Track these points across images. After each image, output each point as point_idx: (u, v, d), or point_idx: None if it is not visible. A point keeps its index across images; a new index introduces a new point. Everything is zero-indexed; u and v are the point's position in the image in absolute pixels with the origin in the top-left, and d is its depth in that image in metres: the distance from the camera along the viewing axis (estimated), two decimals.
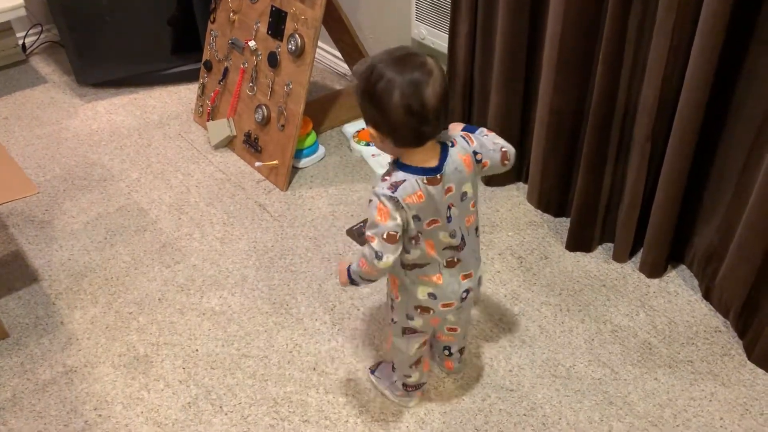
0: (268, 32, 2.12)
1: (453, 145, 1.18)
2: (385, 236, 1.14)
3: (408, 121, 1.09)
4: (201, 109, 2.45)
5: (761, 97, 1.42)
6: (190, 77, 2.66)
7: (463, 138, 1.20)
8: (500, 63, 1.86)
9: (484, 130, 1.28)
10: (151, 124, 2.48)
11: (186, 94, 2.65)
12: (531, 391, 1.50)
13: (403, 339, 1.36)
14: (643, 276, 1.77)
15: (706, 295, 1.70)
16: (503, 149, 1.24)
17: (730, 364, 1.54)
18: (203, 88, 2.43)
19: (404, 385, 1.45)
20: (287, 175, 2.13)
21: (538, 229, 1.94)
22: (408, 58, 1.10)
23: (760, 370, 1.53)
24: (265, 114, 2.14)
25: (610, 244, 1.85)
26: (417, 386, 1.46)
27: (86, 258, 1.89)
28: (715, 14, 1.33)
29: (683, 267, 1.79)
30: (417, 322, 1.31)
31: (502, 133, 1.95)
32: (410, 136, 1.12)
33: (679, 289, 1.74)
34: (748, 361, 1.55)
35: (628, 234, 1.76)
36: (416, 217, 1.16)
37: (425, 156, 1.15)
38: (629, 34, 1.53)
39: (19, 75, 2.80)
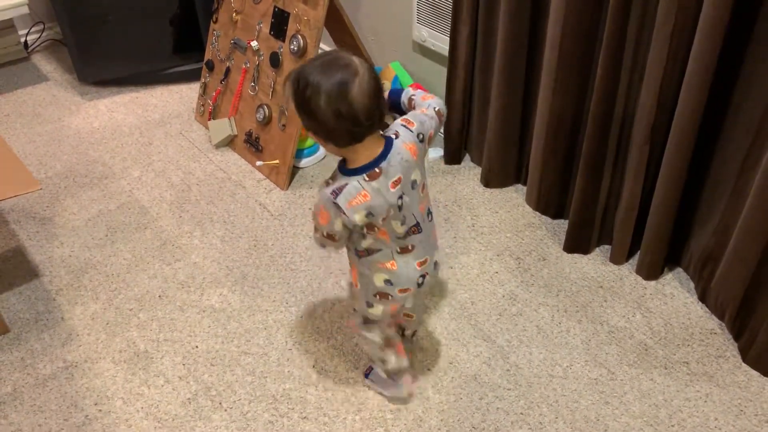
0: (270, 32, 2.13)
1: (396, 137, 1.20)
2: (325, 234, 1.21)
3: (339, 124, 1.11)
4: (202, 108, 2.46)
5: (758, 101, 1.44)
6: (192, 77, 2.67)
7: (405, 126, 1.22)
8: (500, 65, 1.88)
9: (410, 91, 1.30)
10: (153, 122, 2.49)
11: (187, 93, 2.66)
12: (528, 391, 1.51)
13: (365, 327, 1.41)
14: (639, 278, 1.79)
15: (702, 298, 1.72)
16: (436, 109, 1.28)
17: (725, 366, 1.56)
18: (205, 87, 2.44)
19: (388, 374, 1.47)
20: (288, 175, 2.14)
21: (537, 231, 1.96)
22: (333, 61, 1.12)
23: (754, 372, 1.54)
24: (267, 114, 2.16)
25: (608, 246, 1.87)
26: (400, 371, 1.47)
27: (87, 254, 1.90)
28: (714, 19, 1.35)
29: (680, 269, 1.81)
30: (376, 310, 1.34)
31: (502, 136, 2.00)
32: (347, 137, 1.13)
33: (675, 291, 1.75)
34: (743, 363, 1.56)
35: (625, 236, 1.77)
36: (370, 214, 1.17)
37: (369, 152, 1.16)
38: (628, 37, 1.55)
39: (21, 72, 2.81)
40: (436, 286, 1.77)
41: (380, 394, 1.51)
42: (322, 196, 1.18)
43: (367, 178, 1.16)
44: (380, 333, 1.41)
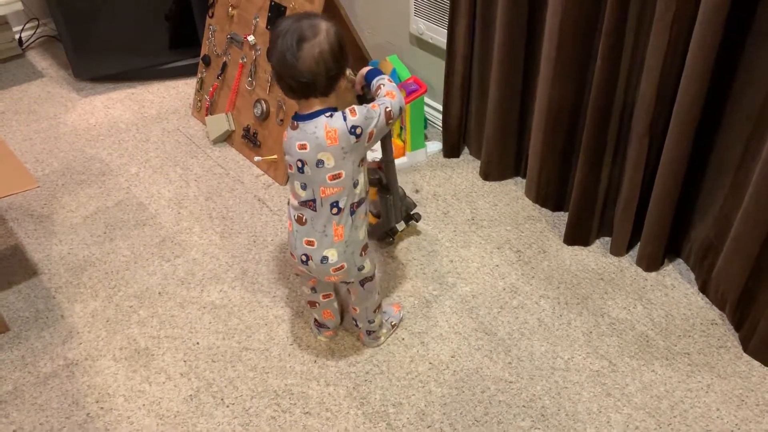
0: (267, 27, 2.12)
1: (330, 116, 1.27)
2: None
3: (283, 73, 1.24)
4: (199, 103, 2.45)
5: (758, 92, 1.44)
6: (188, 72, 2.66)
7: (345, 113, 1.28)
8: (499, 58, 1.87)
9: (383, 79, 1.38)
10: (150, 118, 2.48)
11: (184, 88, 2.65)
12: (530, 383, 1.51)
13: (299, 277, 1.54)
14: (640, 269, 1.79)
15: (703, 289, 1.72)
16: (387, 109, 1.33)
17: (726, 356, 1.56)
18: (201, 82, 2.43)
19: (314, 319, 1.61)
20: (286, 170, 2.13)
21: (537, 223, 1.96)
22: (304, 20, 1.23)
23: (755, 362, 1.55)
24: (264, 109, 2.15)
25: (608, 238, 1.87)
26: (321, 325, 1.61)
27: (86, 252, 1.89)
28: (714, 8, 1.35)
29: (680, 260, 1.81)
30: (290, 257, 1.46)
31: (501, 128, 1.99)
32: (287, 88, 1.26)
33: (675, 282, 1.75)
34: (744, 353, 1.57)
35: (625, 228, 1.77)
36: (286, 152, 1.34)
37: (306, 108, 1.29)
38: (628, 27, 1.54)
39: (16, 69, 2.79)
40: (436, 279, 1.77)
41: None
42: None
43: (291, 124, 1.31)
44: (303, 288, 1.54)
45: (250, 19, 2.18)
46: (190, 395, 1.50)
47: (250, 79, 2.20)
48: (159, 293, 1.76)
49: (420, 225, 1.95)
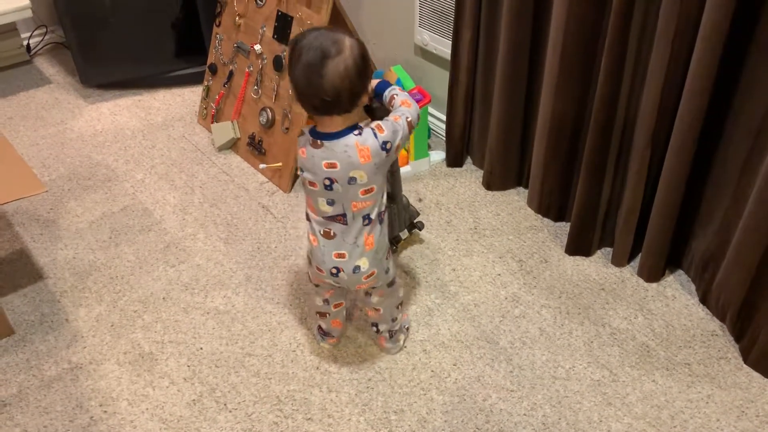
0: (273, 36, 2.15)
1: (359, 134, 1.25)
2: None
3: (306, 91, 1.21)
4: (205, 111, 2.47)
5: (758, 105, 1.46)
6: (194, 80, 2.69)
7: (373, 130, 1.27)
8: (502, 69, 1.89)
9: (395, 89, 1.37)
10: (156, 125, 2.50)
11: (190, 96, 2.67)
12: (531, 392, 1.52)
13: (314, 289, 1.51)
14: (641, 280, 1.80)
15: (704, 300, 1.73)
16: (408, 119, 1.33)
17: (726, 367, 1.57)
18: (207, 90, 2.45)
19: (318, 326, 1.61)
20: (291, 177, 2.15)
21: (539, 233, 1.97)
22: (327, 35, 1.20)
23: (755, 373, 1.55)
24: (270, 117, 2.17)
25: (610, 249, 1.88)
26: (327, 333, 1.60)
27: (91, 257, 1.91)
28: (715, 24, 1.37)
29: (681, 272, 1.82)
30: (309, 270, 1.46)
31: (504, 139, 2.01)
32: (309, 106, 1.23)
33: (676, 293, 1.76)
34: (744, 365, 1.57)
35: (626, 239, 1.79)
36: (301, 169, 1.32)
37: (329, 126, 1.26)
38: (630, 41, 1.56)
39: (24, 75, 2.82)
40: (438, 288, 1.79)
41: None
42: None
43: (311, 142, 1.28)
44: (317, 299, 1.53)
45: (257, 28, 2.20)
46: (194, 400, 1.51)
47: (256, 87, 2.23)
48: (163, 298, 1.77)
49: (423, 234, 1.96)
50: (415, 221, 1.89)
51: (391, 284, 1.48)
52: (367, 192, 1.30)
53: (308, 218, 1.39)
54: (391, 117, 1.32)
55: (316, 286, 1.49)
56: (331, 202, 1.31)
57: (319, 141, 1.26)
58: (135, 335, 1.67)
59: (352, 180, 1.27)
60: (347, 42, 1.19)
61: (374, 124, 1.28)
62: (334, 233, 1.34)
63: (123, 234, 1.99)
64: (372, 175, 1.28)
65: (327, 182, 1.28)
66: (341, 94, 1.19)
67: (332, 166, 1.26)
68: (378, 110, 1.46)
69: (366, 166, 1.26)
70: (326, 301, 1.52)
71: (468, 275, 1.83)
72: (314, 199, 1.33)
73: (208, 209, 2.09)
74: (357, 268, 1.37)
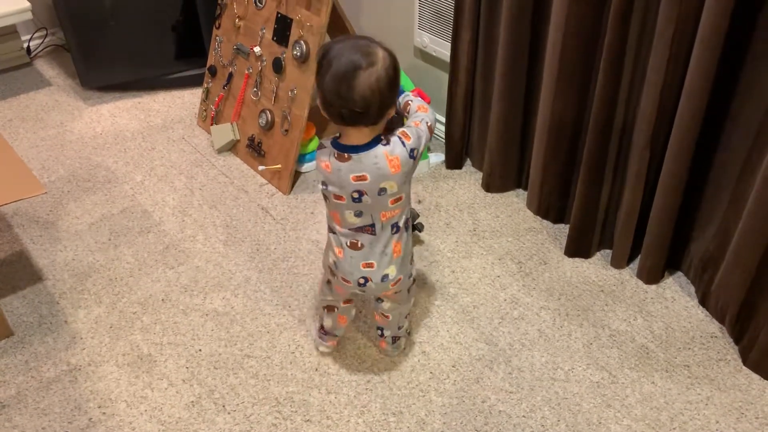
0: (273, 38, 2.15)
1: (386, 144, 1.23)
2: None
3: (336, 101, 1.16)
4: (205, 113, 2.47)
5: (757, 107, 1.46)
6: (194, 82, 2.69)
7: (400, 139, 1.25)
8: (502, 71, 1.89)
9: (409, 95, 1.35)
10: (155, 127, 2.50)
11: (190, 98, 2.67)
12: (530, 394, 1.52)
13: (326, 285, 1.49)
14: (640, 282, 1.80)
15: (703, 302, 1.73)
16: (428, 124, 1.32)
17: (725, 369, 1.57)
18: (207, 92, 2.45)
19: (320, 326, 1.58)
20: (290, 179, 2.15)
21: (538, 235, 1.97)
22: (360, 45, 1.17)
23: (755, 375, 1.55)
24: (269, 119, 2.17)
25: (609, 251, 1.88)
26: (328, 333, 1.57)
27: (90, 258, 1.91)
28: (714, 25, 1.37)
29: (680, 273, 1.82)
30: (330, 278, 1.43)
31: (503, 141, 2.01)
32: (337, 116, 1.19)
33: (676, 295, 1.76)
34: (744, 366, 1.57)
35: (626, 240, 1.79)
36: (324, 183, 1.29)
37: (356, 138, 1.23)
38: (629, 43, 1.57)
39: (24, 78, 2.82)
40: (438, 290, 1.78)
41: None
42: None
43: (335, 155, 1.24)
44: (329, 295, 1.49)
45: (256, 30, 2.21)
46: (192, 402, 1.51)
47: (255, 89, 2.23)
48: (162, 300, 1.77)
49: (422, 235, 1.96)
50: (414, 222, 1.89)
51: (409, 290, 1.47)
52: (396, 201, 1.28)
53: (331, 230, 1.36)
54: (411, 123, 1.30)
55: (328, 282, 1.47)
56: (359, 214, 1.29)
57: (346, 154, 1.23)
58: (134, 337, 1.67)
59: (382, 191, 1.25)
60: (380, 53, 1.16)
61: (399, 131, 1.26)
62: (362, 244, 1.32)
63: (122, 236, 1.99)
64: (401, 184, 1.27)
65: (356, 195, 1.26)
66: (371, 105, 1.16)
67: (361, 178, 1.23)
68: (394, 119, 1.46)
69: (396, 176, 1.24)
70: (338, 295, 1.49)
71: (467, 277, 1.83)
72: (340, 212, 1.30)
73: (208, 211, 2.09)
74: (385, 276, 1.36)
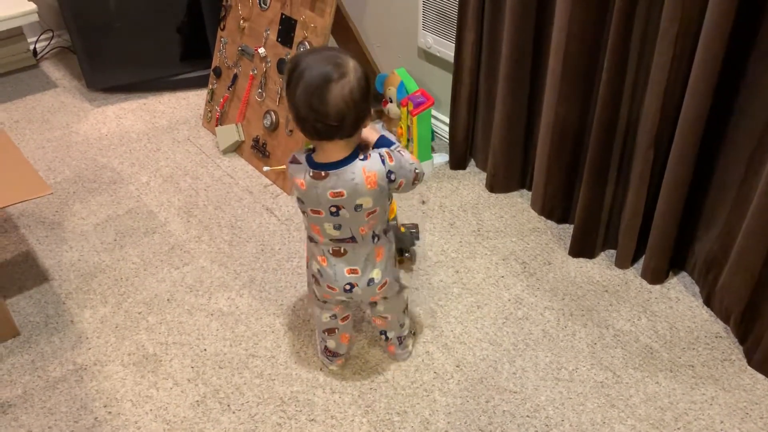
0: (277, 39, 2.16)
1: (364, 159, 1.22)
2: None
3: (309, 115, 1.15)
4: (210, 114, 2.48)
5: (762, 107, 1.45)
6: (199, 83, 2.70)
7: (381, 156, 1.23)
8: (505, 71, 1.90)
9: (399, 146, 1.31)
10: (161, 128, 2.52)
11: (195, 99, 2.68)
12: (534, 394, 1.52)
13: (315, 307, 1.47)
14: (645, 282, 1.80)
15: (707, 302, 1.72)
16: (416, 171, 1.29)
17: (730, 369, 1.57)
18: (212, 94, 2.46)
19: (325, 348, 1.55)
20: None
21: (542, 235, 1.97)
22: (329, 57, 1.15)
23: (760, 375, 1.55)
24: (274, 120, 2.18)
25: (613, 251, 1.88)
26: (335, 354, 1.55)
27: (96, 259, 1.92)
28: (718, 25, 1.37)
29: (684, 274, 1.82)
30: (315, 290, 1.42)
31: (507, 141, 2.01)
32: (311, 130, 1.18)
33: (680, 295, 1.76)
34: (749, 367, 1.57)
35: (630, 240, 1.79)
36: (300, 200, 1.29)
37: (331, 153, 1.21)
38: (633, 43, 1.57)
39: (30, 79, 2.84)
40: (442, 290, 1.79)
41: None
42: (295, 154, 1.28)
43: (311, 174, 1.22)
44: (323, 315, 1.47)
45: (261, 31, 2.22)
46: (197, 401, 1.52)
47: (260, 90, 2.24)
48: (168, 300, 1.78)
49: (426, 236, 1.97)
50: (409, 249, 1.86)
51: (399, 291, 1.48)
52: (371, 214, 1.28)
53: (312, 240, 1.35)
54: (405, 154, 1.29)
55: (324, 302, 1.45)
56: (338, 227, 1.28)
57: (323, 172, 1.22)
58: (139, 336, 1.68)
59: (358, 207, 1.25)
60: (350, 63, 1.14)
61: (385, 150, 1.25)
62: (344, 250, 1.32)
63: (128, 236, 2.00)
64: (376, 200, 1.26)
65: (333, 209, 1.25)
66: (345, 117, 1.14)
67: (338, 194, 1.22)
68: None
69: (372, 192, 1.23)
70: (334, 316, 1.48)
71: (471, 277, 1.83)
72: (320, 225, 1.29)
73: (213, 212, 2.10)
74: (371, 280, 1.36)
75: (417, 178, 1.30)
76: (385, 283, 1.38)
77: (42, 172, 2.28)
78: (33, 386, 1.56)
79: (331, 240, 1.31)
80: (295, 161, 1.26)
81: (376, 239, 1.33)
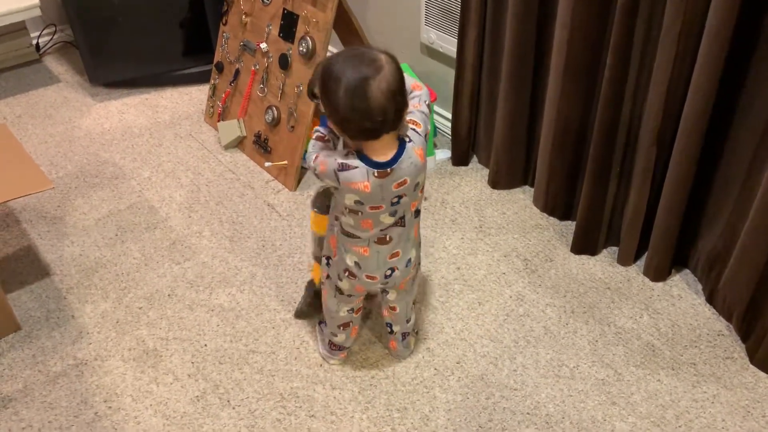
0: (279, 35, 2.15)
1: (409, 141, 1.23)
2: (317, 171, 1.24)
3: (353, 117, 1.14)
4: (212, 109, 2.48)
5: (765, 104, 1.44)
6: (201, 79, 2.69)
7: (414, 129, 1.25)
8: (508, 68, 1.89)
9: (414, 97, 1.30)
10: (163, 124, 2.51)
11: (197, 95, 2.68)
12: (535, 391, 1.52)
13: (334, 300, 1.46)
14: (647, 279, 1.79)
15: (710, 299, 1.72)
16: (427, 103, 1.31)
17: (732, 367, 1.56)
18: (214, 89, 2.46)
19: (330, 342, 1.55)
20: (296, 176, 2.15)
21: (544, 232, 1.96)
22: (360, 55, 1.14)
23: (762, 373, 1.54)
24: (276, 115, 2.17)
25: (615, 248, 1.87)
26: (341, 348, 1.56)
27: (97, 254, 1.92)
28: (721, 22, 1.36)
29: (687, 271, 1.81)
30: (344, 284, 1.41)
31: (509, 138, 2.01)
32: (358, 131, 1.17)
33: (682, 292, 1.75)
34: (751, 365, 1.56)
35: (632, 238, 1.78)
36: (359, 202, 1.24)
37: (382, 150, 1.20)
38: (635, 40, 1.56)
39: (33, 74, 2.84)
40: (443, 286, 1.78)
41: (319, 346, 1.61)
42: (329, 160, 1.22)
43: (376, 174, 1.20)
44: (342, 310, 1.47)
45: (263, 26, 2.21)
46: (197, 396, 1.52)
47: (262, 86, 2.23)
48: (168, 295, 1.78)
49: (428, 232, 1.96)
50: None
51: (414, 278, 1.47)
52: (422, 188, 1.31)
53: (351, 236, 1.32)
54: (412, 106, 1.27)
55: (350, 296, 1.44)
56: (394, 213, 1.28)
57: (388, 169, 1.20)
58: (140, 332, 1.68)
59: (416, 186, 1.27)
60: (382, 57, 1.14)
61: (408, 120, 1.25)
62: (390, 237, 1.32)
63: (129, 231, 2.00)
64: (425, 171, 1.29)
65: (395, 200, 1.25)
66: (388, 112, 1.13)
67: (402, 183, 1.23)
68: None
69: (425, 164, 1.26)
70: (351, 310, 1.47)
71: (473, 274, 1.83)
72: (374, 219, 1.28)
73: (214, 207, 2.10)
74: (409, 261, 1.38)
75: (429, 109, 1.32)
76: (418, 262, 1.42)
77: (44, 166, 2.28)
78: (34, 381, 1.56)
79: (381, 230, 1.31)
80: (346, 168, 1.20)
81: (417, 214, 1.35)
